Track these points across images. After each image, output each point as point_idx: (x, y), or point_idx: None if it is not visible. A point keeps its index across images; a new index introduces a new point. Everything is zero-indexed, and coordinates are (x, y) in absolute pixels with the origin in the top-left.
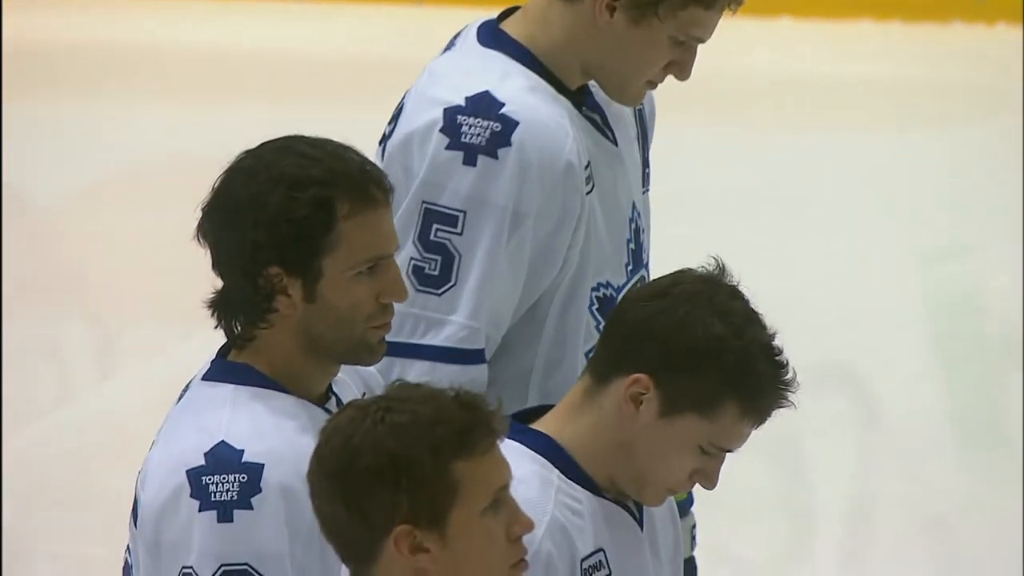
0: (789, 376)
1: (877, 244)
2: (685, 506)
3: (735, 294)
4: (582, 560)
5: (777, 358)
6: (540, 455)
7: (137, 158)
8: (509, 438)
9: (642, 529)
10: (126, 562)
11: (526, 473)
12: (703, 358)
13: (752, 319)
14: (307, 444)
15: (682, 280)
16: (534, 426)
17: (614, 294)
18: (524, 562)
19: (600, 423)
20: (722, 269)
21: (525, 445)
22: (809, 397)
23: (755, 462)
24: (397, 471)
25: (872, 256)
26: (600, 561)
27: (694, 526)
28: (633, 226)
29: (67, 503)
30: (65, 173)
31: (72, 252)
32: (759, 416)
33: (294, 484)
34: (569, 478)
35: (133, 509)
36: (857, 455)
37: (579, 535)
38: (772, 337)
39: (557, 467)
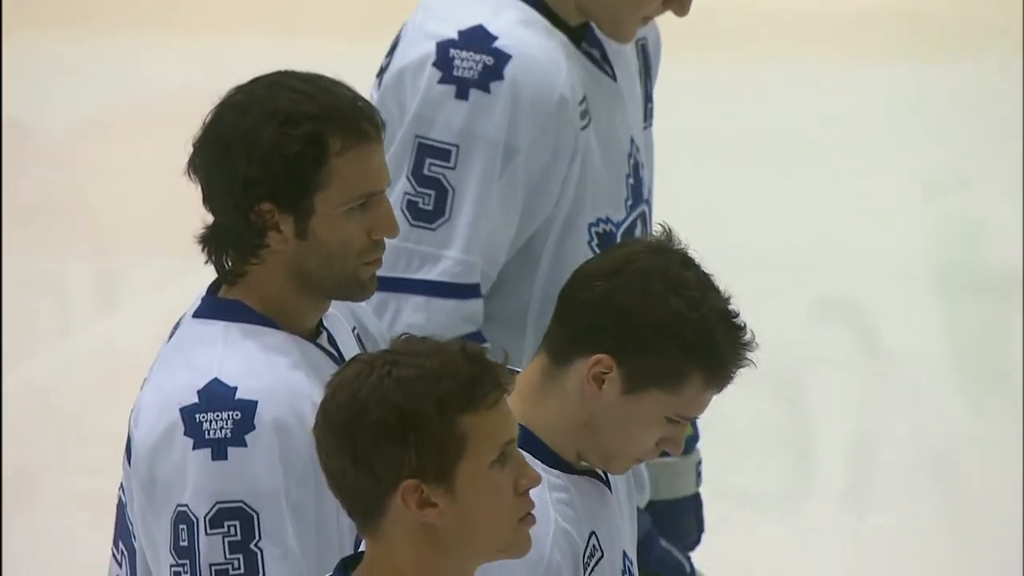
0: (748, 337)
1: (878, 178)
2: (691, 443)
3: (687, 262)
4: (583, 555)
5: (734, 321)
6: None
7: (142, 91)
8: None
9: (611, 490)
10: (120, 500)
11: None
12: (664, 335)
13: (706, 287)
14: (300, 380)
15: (634, 256)
16: None
17: (614, 230)
18: (531, 516)
19: (564, 405)
20: (669, 235)
21: None
22: (811, 332)
23: (758, 397)
24: (404, 426)
25: (873, 190)
26: (594, 546)
27: (699, 463)
28: (632, 161)
29: (70, 437)
30: (69, 106)
31: (75, 185)
32: (722, 383)
33: (288, 420)
34: (547, 465)
35: (127, 447)
36: (859, 390)
37: (576, 530)
38: (727, 301)
39: (535, 456)
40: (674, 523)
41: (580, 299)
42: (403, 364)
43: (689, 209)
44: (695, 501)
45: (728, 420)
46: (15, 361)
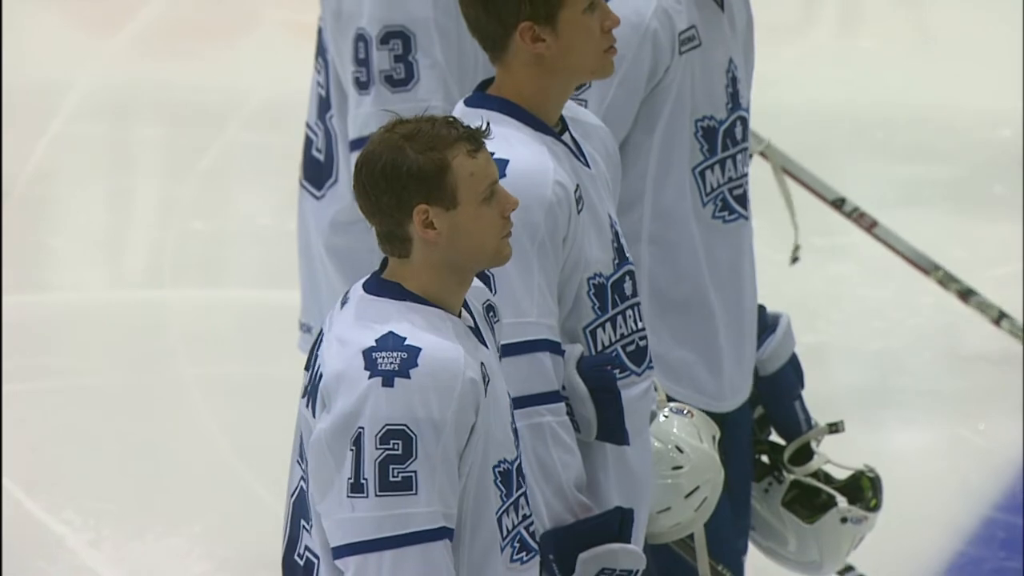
0: None
1: None
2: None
3: None
4: (680, 33)
5: None
6: None
7: None
8: None
9: (723, 10)
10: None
11: None
12: None
13: None
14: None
15: None
16: None
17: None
18: (614, 48)
19: None
20: None
21: None
22: None
23: None
24: None
25: None
26: (693, 34)
27: None
28: None
29: None
30: None
31: None
32: None
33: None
34: None
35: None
36: None
37: (677, 16)
38: None
39: None
40: None
41: None
42: None
43: None
44: None
45: None
46: None
